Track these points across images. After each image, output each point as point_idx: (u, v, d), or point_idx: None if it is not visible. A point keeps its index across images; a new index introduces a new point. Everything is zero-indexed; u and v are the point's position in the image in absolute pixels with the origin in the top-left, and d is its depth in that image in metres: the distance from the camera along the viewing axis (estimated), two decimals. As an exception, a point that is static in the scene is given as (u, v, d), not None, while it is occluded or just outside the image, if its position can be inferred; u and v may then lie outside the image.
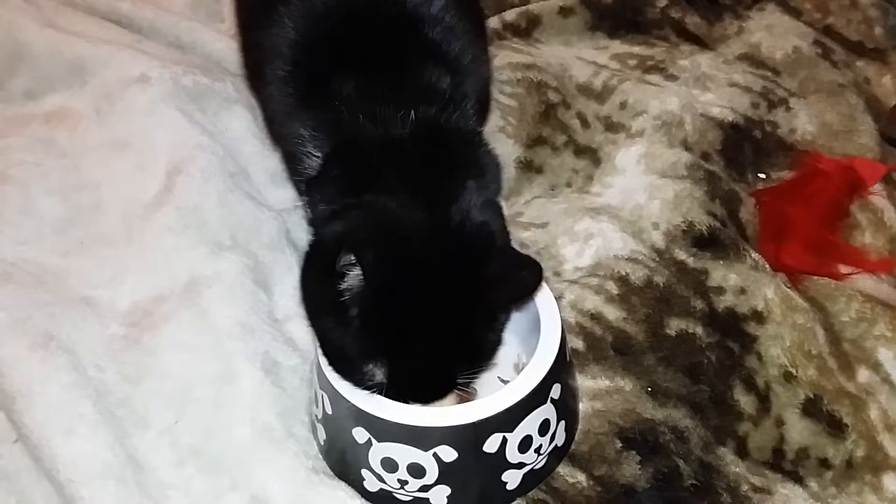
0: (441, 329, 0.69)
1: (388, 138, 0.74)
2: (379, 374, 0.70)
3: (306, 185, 0.82)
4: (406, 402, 0.70)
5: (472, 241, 0.72)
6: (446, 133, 0.76)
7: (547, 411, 0.72)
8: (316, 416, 0.77)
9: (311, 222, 0.81)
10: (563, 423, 0.75)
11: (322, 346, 0.73)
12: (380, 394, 0.70)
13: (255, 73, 0.89)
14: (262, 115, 0.97)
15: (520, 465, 0.72)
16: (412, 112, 0.75)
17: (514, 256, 0.75)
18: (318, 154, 0.79)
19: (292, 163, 0.86)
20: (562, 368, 0.74)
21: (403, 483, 0.71)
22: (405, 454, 0.70)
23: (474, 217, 0.72)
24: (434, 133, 0.75)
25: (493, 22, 1.21)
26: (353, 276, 0.67)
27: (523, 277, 0.71)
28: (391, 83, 0.76)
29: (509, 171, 1.02)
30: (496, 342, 0.73)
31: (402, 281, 0.68)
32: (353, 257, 0.66)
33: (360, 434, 0.71)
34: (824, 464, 0.79)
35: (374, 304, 0.68)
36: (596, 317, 0.86)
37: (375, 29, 0.79)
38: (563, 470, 0.77)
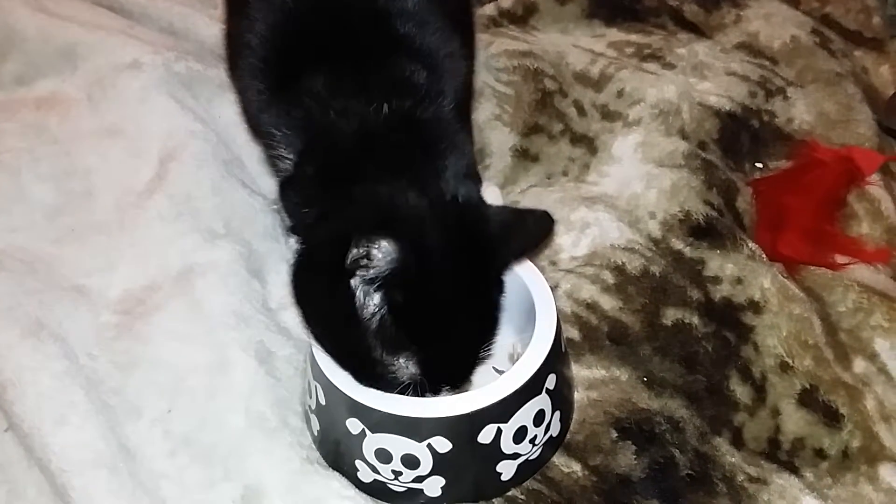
0: (465, 305, 0.69)
1: (361, 132, 0.73)
2: (410, 368, 0.69)
3: (280, 188, 0.80)
4: (439, 390, 0.70)
5: (467, 210, 0.71)
6: (419, 122, 0.74)
7: (542, 402, 0.72)
8: (309, 406, 0.77)
9: (293, 230, 0.78)
10: (558, 413, 0.75)
11: (339, 359, 0.71)
12: (413, 389, 0.69)
13: (232, 66, 0.88)
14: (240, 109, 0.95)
15: (514, 456, 0.72)
16: (385, 105, 0.73)
17: (516, 211, 0.76)
18: (290, 156, 0.77)
19: (268, 163, 0.85)
20: (557, 359, 0.74)
21: (398, 474, 0.71)
22: (399, 445, 0.69)
23: (461, 189, 0.72)
24: (407, 123, 0.74)
25: (489, 9, 1.20)
26: (376, 265, 0.65)
27: (531, 226, 0.72)
28: (362, 79, 0.75)
29: (505, 160, 1.02)
30: (501, 307, 0.73)
31: (423, 264, 0.66)
32: (365, 250, 0.64)
33: (354, 425, 0.70)
34: (820, 454, 0.79)
35: (404, 291, 0.66)
36: (592, 306, 0.86)
37: (346, 25, 0.78)
38: (559, 460, 0.76)
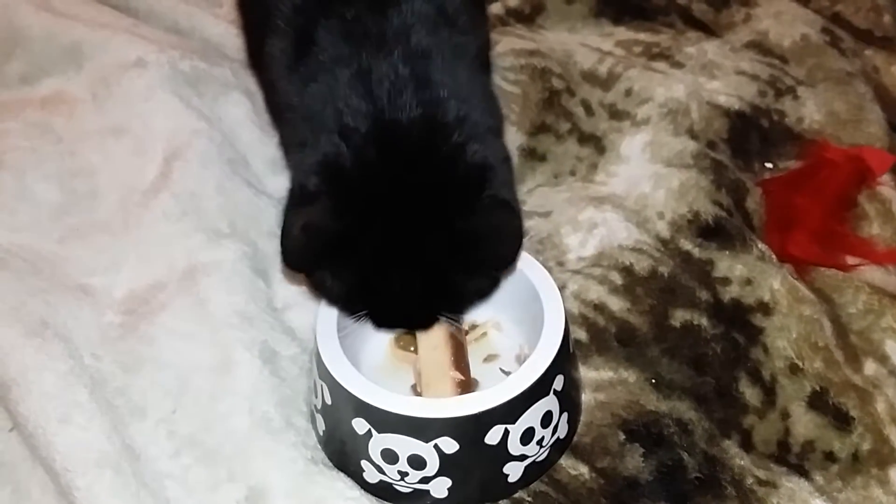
0: (409, 266, 0.69)
1: (361, 72, 0.72)
2: (357, 303, 0.72)
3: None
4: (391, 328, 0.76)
5: (460, 175, 0.70)
6: (433, 71, 0.72)
7: (549, 403, 0.71)
8: (315, 406, 0.76)
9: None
10: (565, 414, 0.74)
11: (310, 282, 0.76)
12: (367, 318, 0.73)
13: (255, 52, 0.87)
14: (263, 99, 0.95)
15: (522, 458, 0.72)
16: (395, 52, 0.72)
17: (500, 217, 0.71)
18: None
19: (281, 148, 0.85)
20: (565, 360, 0.73)
21: (404, 475, 0.70)
22: (406, 445, 0.69)
23: (471, 147, 0.70)
24: (420, 69, 0.72)
25: (496, 8, 1.20)
26: (307, 213, 0.70)
27: (500, 249, 0.70)
28: (374, 25, 0.74)
29: (512, 159, 1.01)
30: (484, 288, 0.73)
31: (356, 216, 0.68)
32: (298, 197, 0.70)
33: (360, 425, 0.70)
34: (830, 457, 0.78)
35: (331, 238, 0.69)
36: (599, 307, 0.85)
37: None
38: (566, 462, 0.76)
